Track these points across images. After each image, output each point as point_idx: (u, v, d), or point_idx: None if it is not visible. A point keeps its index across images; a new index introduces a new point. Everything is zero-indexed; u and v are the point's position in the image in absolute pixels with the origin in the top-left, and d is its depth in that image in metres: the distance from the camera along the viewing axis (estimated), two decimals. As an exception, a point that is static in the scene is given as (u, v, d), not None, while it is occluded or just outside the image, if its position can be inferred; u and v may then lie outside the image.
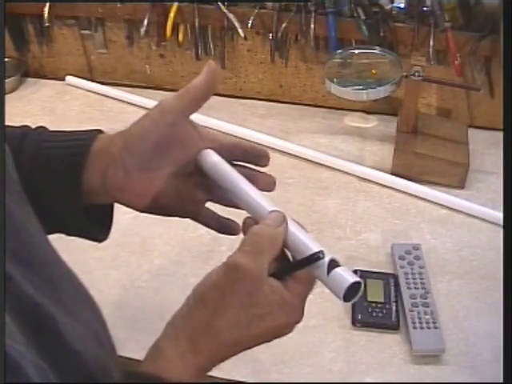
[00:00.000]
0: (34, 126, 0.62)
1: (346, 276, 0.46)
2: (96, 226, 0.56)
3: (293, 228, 0.50)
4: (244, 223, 0.52)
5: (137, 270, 0.90)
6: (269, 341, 0.50)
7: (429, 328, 0.79)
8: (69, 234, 0.58)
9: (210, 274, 0.48)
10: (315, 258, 0.47)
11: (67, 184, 0.52)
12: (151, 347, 0.47)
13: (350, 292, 0.46)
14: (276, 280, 0.48)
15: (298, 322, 0.50)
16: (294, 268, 0.49)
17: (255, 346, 0.49)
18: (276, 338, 0.50)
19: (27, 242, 0.42)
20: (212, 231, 0.93)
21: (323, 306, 0.85)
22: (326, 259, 0.47)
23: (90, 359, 0.42)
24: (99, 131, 0.55)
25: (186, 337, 0.46)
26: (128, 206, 0.54)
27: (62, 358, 0.40)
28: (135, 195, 0.53)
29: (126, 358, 0.75)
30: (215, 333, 0.46)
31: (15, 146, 0.54)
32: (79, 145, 0.53)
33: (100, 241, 0.58)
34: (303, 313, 0.50)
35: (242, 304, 0.46)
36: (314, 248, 0.48)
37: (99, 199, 0.54)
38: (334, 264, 0.47)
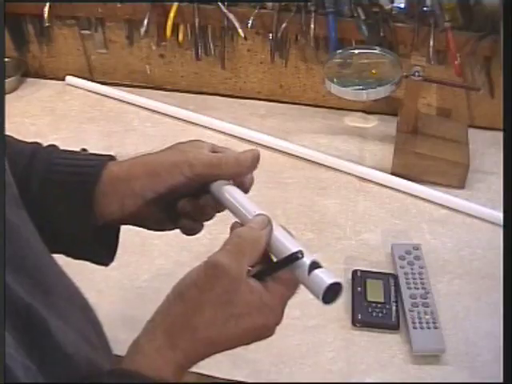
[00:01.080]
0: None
1: (324, 278, 0.46)
2: (103, 250, 0.57)
3: (277, 231, 0.50)
4: (231, 227, 0.53)
5: (137, 270, 0.90)
6: (248, 343, 0.49)
7: (429, 328, 0.79)
8: (75, 257, 0.58)
9: (191, 272, 0.49)
10: (294, 257, 0.47)
11: (78, 209, 0.53)
12: (131, 343, 0.47)
13: (331, 294, 0.47)
14: (256, 281, 0.48)
15: (277, 323, 0.50)
16: (273, 269, 0.49)
17: (234, 346, 0.49)
18: (256, 340, 0.50)
19: (20, 245, 0.42)
20: (212, 231, 0.94)
21: (323, 306, 0.85)
22: (308, 260, 0.47)
23: (82, 362, 0.42)
24: (111, 157, 0.56)
25: (163, 331, 0.46)
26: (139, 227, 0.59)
27: (52, 359, 0.40)
28: (151, 222, 0.59)
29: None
30: (192, 329, 0.46)
31: (25, 164, 0.54)
32: (90, 172, 0.54)
33: (106, 264, 0.59)
34: (283, 315, 0.50)
35: (220, 302, 0.46)
36: (293, 248, 0.48)
37: (113, 223, 0.56)
38: (315, 265, 0.47)
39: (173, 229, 0.60)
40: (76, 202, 0.53)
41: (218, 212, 0.58)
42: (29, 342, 0.37)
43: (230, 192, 0.54)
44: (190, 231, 0.59)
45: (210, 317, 0.46)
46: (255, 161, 0.55)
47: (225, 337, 0.47)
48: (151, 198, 0.54)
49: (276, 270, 0.49)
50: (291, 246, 0.48)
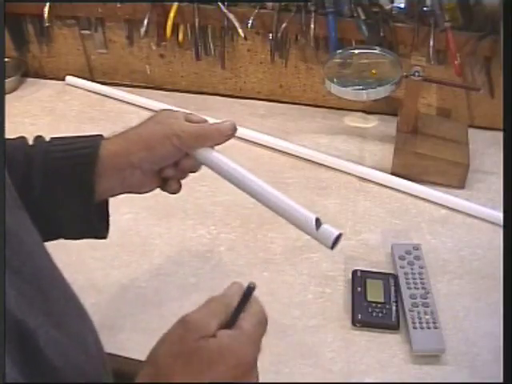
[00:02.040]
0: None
1: (332, 230, 0.56)
2: (101, 224, 0.62)
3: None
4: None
5: (137, 269, 0.90)
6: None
7: (429, 328, 0.79)
8: (74, 238, 0.61)
9: (165, 334, 0.48)
10: (249, 292, 0.49)
11: (80, 190, 0.57)
12: None
13: (335, 242, 0.57)
14: (223, 330, 0.48)
15: (255, 356, 0.48)
16: (236, 312, 0.49)
17: None
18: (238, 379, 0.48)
19: (18, 249, 0.42)
20: (212, 231, 0.94)
21: (323, 305, 0.85)
22: (313, 217, 0.56)
23: (72, 373, 0.42)
24: (101, 137, 0.61)
25: None
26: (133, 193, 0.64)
27: (41, 374, 0.40)
28: (142, 189, 0.63)
29: (126, 358, 0.75)
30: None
31: (23, 157, 0.58)
32: (88, 153, 0.58)
33: (104, 237, 0.63)
34: (259, 346, 0.49)
35: (189, 355, 0.46)
36: (310, 214, 0.58)
37: (112, 195, 0.62)
38: (319, 221, 0.57)
39: (155, 189, 0.65)
40: (78, 183, 0.57)
41: (194, 172, 0.65)
42: (20, 358, 0.37)
43: (219, 158, 0.62)
44: (174, 191, 0.65)
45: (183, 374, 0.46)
46: (234, 130, 0.62)
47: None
48: (147, 168, 0.61)
49: (239, 311, 0.49)
50: (308, 213, 0.57)
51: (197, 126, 0.61)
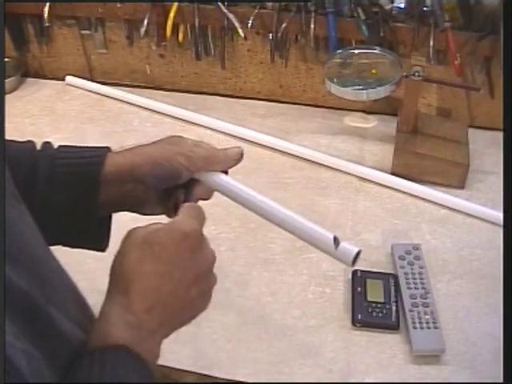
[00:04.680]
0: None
1: (350, 248, 0.55)
2: (101, 236, 0.61)
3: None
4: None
5: (137, 269, 0.90)
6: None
7: (429, 328, 0.79)
8: (73, 247, 0.62)
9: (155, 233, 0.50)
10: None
11: (83, 200, 0.57)
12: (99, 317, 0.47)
13: (355, 259, 0.55)
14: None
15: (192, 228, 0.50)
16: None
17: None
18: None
19: (17, 238, 0.42)
20: (212, 231, 0.94)
21: (323, 306, 0.85)
22: (331, 236, 0.55)
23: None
24: (108, 149, 0.60)
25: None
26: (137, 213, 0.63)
27: (55, 344, 0.40)
28: (146, 208, 0.62)
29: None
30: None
31: (29, 161, 0.58)
32: (94, 162, 0.58)
33: (103, 250, 0.62)
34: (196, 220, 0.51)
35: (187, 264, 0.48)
36: (328, 234, 0.56)
37: (113, 210, 0.61)
38: (337, 240, 0.55)
39: (161, 214, 0.64)
40: (81, 193, 0.57)
41: (205, 200, 0.63)
42: (31, 329, 0.38)
43: (230, 182, 0.60)
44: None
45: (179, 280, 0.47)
46: (241, 156, 0.62)
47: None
48: (151, 184, 0.59)
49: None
50: (325, 232, 0.56)
51: (205, 149, 0.61)
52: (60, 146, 0.61)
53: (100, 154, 0.59)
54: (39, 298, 0.40)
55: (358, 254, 0.54)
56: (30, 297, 0.39)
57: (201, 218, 0.52)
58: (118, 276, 0.50)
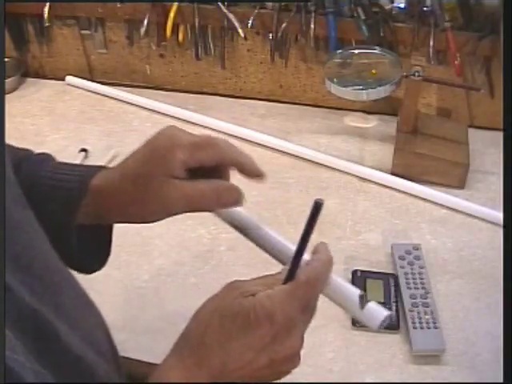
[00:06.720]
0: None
1: (379, 310, 0.49)
2: (87, 257, 0.56)
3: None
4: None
5: (137, 269, 0.90)
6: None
7: (429, 328, 0.79)
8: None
9: (234, 303, 0.46)
10: (317, 210, 0.47)
11: (60, 223, 0.52)
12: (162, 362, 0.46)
13: (382, 323, 0.50)
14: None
15: (293, 315, 0.48)
16: (296, 258, 0.49)
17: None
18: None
19: (28, 245, 0.41)
20: (212, 231, 0.94)
21: (323, 306, 0.85)
22: (357, 293, 0.50)
23: (92, 364, 0.42)
24: (100, 168, 0.54)
25: (193, 350, 0.46)
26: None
27: (63, 363, 0.39)
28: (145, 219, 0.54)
29: (126, 357, 0.75)
30: (224, 353, 0.45)
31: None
32: (74, 187, 0.52)
33: (92, 272, 0.57)
34: (306, 306, 0.50)
35: (261, 345, 0.45)
36: (356, 291, 0.50)
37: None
38: (364, 298, 0.50)
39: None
40: (59, 216, 0.51)
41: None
42: (38, 347, 0.37)
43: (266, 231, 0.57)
44: None
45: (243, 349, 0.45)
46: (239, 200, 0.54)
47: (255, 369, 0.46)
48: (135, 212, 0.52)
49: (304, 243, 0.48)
50: (353, 289, 0.50)
51: (191, 188, 0.51)
52: (46, 161, 0.55)
53: (82, 178, 0.52)
54: (47, 315, 0.39)
55: (387, 318, 0.48)
56: (37, 314, 0.38)
57: (305, 298, 0.48)
58: (191, 337, 0.46)
